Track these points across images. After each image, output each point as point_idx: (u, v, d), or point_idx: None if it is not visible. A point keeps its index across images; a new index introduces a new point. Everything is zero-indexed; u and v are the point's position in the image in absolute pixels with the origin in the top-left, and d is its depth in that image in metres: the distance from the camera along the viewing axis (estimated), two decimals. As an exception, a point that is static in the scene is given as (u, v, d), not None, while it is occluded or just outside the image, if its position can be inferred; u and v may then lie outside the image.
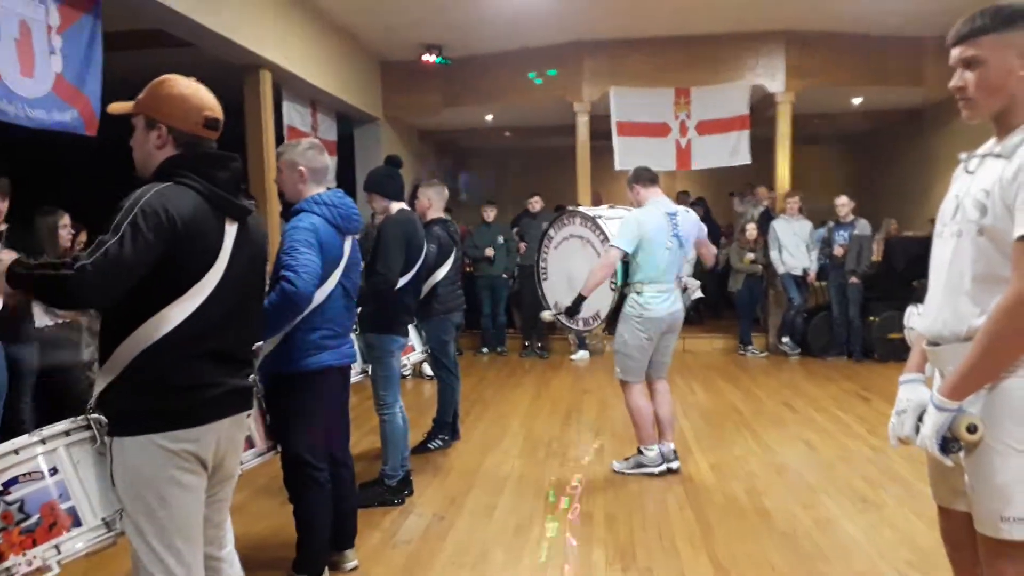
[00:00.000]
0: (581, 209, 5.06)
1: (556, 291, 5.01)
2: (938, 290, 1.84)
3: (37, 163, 8.30)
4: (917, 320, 2.03)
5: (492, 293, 9.09)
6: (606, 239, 4.59)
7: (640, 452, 4.62)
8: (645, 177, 4.60)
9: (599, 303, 4.63)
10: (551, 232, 5.09)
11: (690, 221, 4.59)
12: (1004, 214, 1.67)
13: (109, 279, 1.85)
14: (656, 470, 4.56)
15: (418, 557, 3.57)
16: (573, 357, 8.93)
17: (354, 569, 3.41)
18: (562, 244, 5.00)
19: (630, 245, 4.36)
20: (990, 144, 1.81)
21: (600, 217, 4.82)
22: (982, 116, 1.79)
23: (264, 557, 3.46)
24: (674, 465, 4.61)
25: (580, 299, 4.44)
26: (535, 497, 4.30)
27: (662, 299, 4.44)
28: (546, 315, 4.94)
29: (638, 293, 4.43)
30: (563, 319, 4.85)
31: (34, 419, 4.22)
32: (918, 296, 2.05)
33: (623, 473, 4.61)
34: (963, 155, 1.88)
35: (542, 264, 5.12)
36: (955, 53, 1.79)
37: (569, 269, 4.88)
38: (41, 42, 4.24)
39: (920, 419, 1.83)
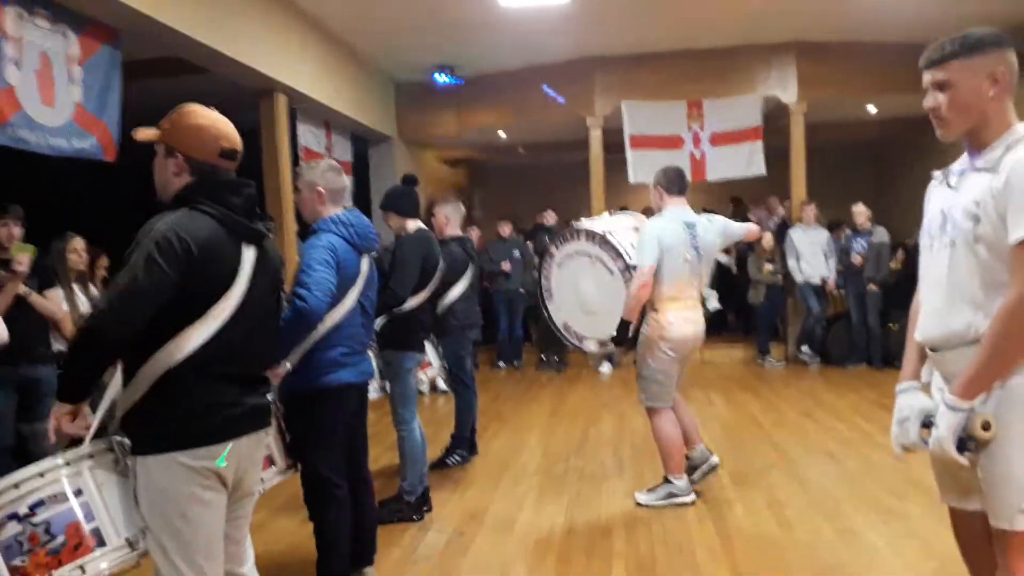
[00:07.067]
0: (586, 225, 4.66)
1: (564, 311, 4.73)
2: (939, 299, 1.93)
3: (58, 190, 8.44)
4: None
5: (509, 307, 9.18)
6: (618, 256, 4.30)
7: (668, 481, 4.27)
8: (674, 185, 4.26)
9: (610, 326, 4.25)
10: (552, 249, 4.77)
11: (712, 231, 4.32)
12: (999, 223, 1.78)
13: (125, 310, 1.94)
14: (688, 499, 4.24)
15: (438, 574, 3.58)
16: (601, 369, 8.91)
17: (375, 586, 3.42)
18: (566, 262, 4.66)
19: (655, 257, 4.06)
20: (965, 160, 1.92)
21: (609, 233, 4.45)
22: (955, 134, 1.91)
23: (284, 575, 3.48)
24: (714, 460, 4.40)
25: (624, 325, 4.12)
26: (554, 512, 4.30)
27: (684, 316, 4.16)
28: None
29: (656, 311, 4.14)
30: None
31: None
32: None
33: (651, 506, 4.24)
34: (937, 173, 2.01)
35: (544, 283, 4.81)
36: (927, 77, 1.91)
37: (579, 290, 4.59)
38: (61, 73, 4.35)
39: (924, 425, 1.91)
